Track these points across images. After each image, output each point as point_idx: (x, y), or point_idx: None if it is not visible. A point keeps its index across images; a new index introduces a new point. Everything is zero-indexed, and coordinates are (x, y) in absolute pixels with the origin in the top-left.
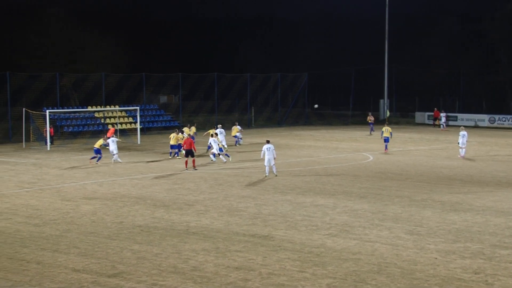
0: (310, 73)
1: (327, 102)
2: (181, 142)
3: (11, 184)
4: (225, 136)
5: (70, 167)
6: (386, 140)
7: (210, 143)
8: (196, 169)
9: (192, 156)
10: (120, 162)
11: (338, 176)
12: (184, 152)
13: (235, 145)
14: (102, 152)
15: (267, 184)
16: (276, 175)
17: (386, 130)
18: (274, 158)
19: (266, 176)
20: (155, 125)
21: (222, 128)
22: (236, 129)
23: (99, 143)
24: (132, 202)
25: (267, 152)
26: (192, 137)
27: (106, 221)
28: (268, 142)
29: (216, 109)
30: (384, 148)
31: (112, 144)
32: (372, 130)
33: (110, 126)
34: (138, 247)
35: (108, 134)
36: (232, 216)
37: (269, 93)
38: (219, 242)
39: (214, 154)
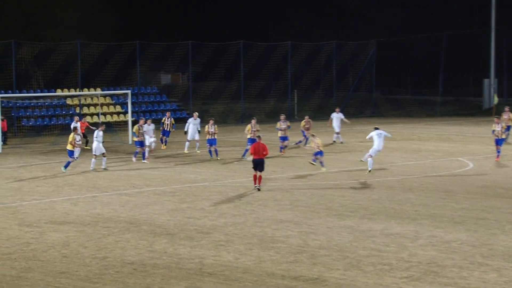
0: (380, 42)
1: (405, 83)
2: (250, 135)
3: None
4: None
5: (31, 178)
6: (499, 142)
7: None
8: (259, 188)
9: (262, 168)
10: (106, 170)
11: (422, 192)
12: (252, 161)
13: (304, 144)
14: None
15: (316, 203)
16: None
17: (500, 125)
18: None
19: (369, 171)
20: (153, 116)
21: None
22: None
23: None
24: (121, 229)
25: (378, 138)
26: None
27: (84, 256)
28: (377, 129)
29: (242, 93)
30: (496, 153)
31: (96, 142)
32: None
33: (77, 119)
34: None
35: (81, 130)
36: (266, 250)
37: (320, 70)
38: (246, 287)
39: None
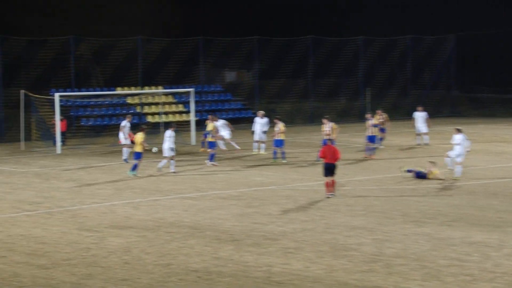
0: (460, 36)
1: (487, 81)
2: (328, 136)
3: (5, 205)
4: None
5: (91, 180)
6: None
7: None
8: (333, 195)
9: (333, 174)
10: (173, 172)
11: (506, 198)
12: (324, 165)
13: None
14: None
15: (392, 208)
16: (456, 178)
17: None
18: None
19: (455, 178)
20: (217, 115)
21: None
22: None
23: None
24: (185, 234)
25: (460, 144)
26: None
27: (146, 262)
28: (459, 131)
29: (311, 91)
30: None
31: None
32: None
33: (130, 118)
34: None
35: (131, 137)
36: (338, 258)
37: (394, 67)
38: None
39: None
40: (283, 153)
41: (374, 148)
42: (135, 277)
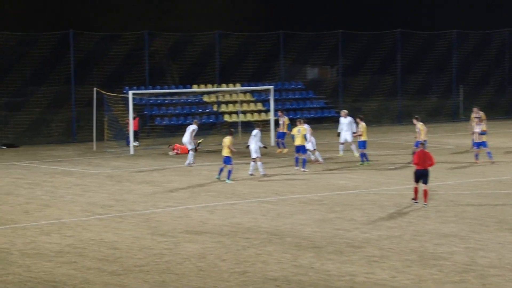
0: None
1: None
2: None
3: (76, 208)
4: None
5: (165, 182)
6: None
7: None
8: (417, 202)
9: (426, 181)
10: (264, 175)
11: None
12: (414, 172)
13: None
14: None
15: (485, 215)
16: None
17: None
18: None
19: None
20: (298, 114)
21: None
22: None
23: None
24: (262, 240)
25: None
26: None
27: (222, 269)
28: None
29: (399, 89)
30: None
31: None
32: None
33: (197, 122)
34: None
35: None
36: (427, 268)
37: (490, 63)
38: None
39: None
40: (361, 155)
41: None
42: (211, 285)
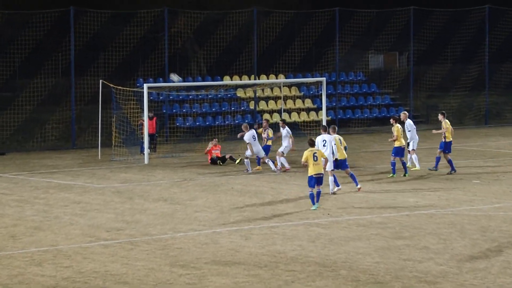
0: None
1: None
2: None
3: (75, 232)
4: None
5: (188, 200)
6: None
7: None
8: None
9: None
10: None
11: None
12: None
13: None
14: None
15: None
16: None
17: None
18: None
19: None
20: (357, 114)
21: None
22: None
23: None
24: (310, 273)
25: None
26: None
27: None
28: None
29: (487, 82)
30: None
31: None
32: None
33: (246, 126)
34: None
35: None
36: None
37: None
38: None
39: None
40: (403, 163)
41: None
42: None
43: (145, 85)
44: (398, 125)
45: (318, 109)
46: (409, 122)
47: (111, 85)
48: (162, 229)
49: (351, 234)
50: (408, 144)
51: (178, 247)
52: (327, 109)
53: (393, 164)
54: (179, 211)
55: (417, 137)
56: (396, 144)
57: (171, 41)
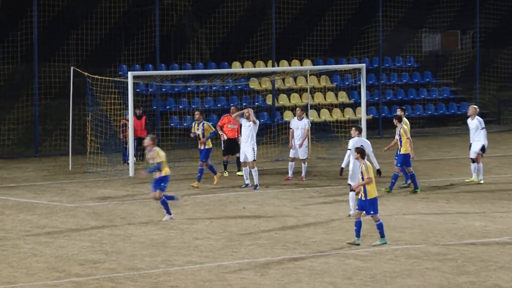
0: None
1: None
2: None
3: (38, 265)
4: None
5: (186, 222)
6: None
7: None
8: None
9: None
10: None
11: None
12: None
13: None
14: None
15: None
16: None
17: None
18: None
19: None
20: (408, 112)
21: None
22: None
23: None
24: None
25: None
26: None
27: None
28: None
29: None
30: None
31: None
32: None
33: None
34: None
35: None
36: None
37: None
38: None
39: None
40: (412, 175)
41: None
42: None
43: (130, 74)
44: (404, 126)
45: (355, 105)
46: (479, 120)
47: (86, 74)
48: (151, 261)
49: (399, 268)
50: (472, 146)
51: (172, 285)
52: (368, 105)
53: (409, 177)
54: (173, 238)
55: (486, 140)
56: (402, 150)
57: (164, 16)
